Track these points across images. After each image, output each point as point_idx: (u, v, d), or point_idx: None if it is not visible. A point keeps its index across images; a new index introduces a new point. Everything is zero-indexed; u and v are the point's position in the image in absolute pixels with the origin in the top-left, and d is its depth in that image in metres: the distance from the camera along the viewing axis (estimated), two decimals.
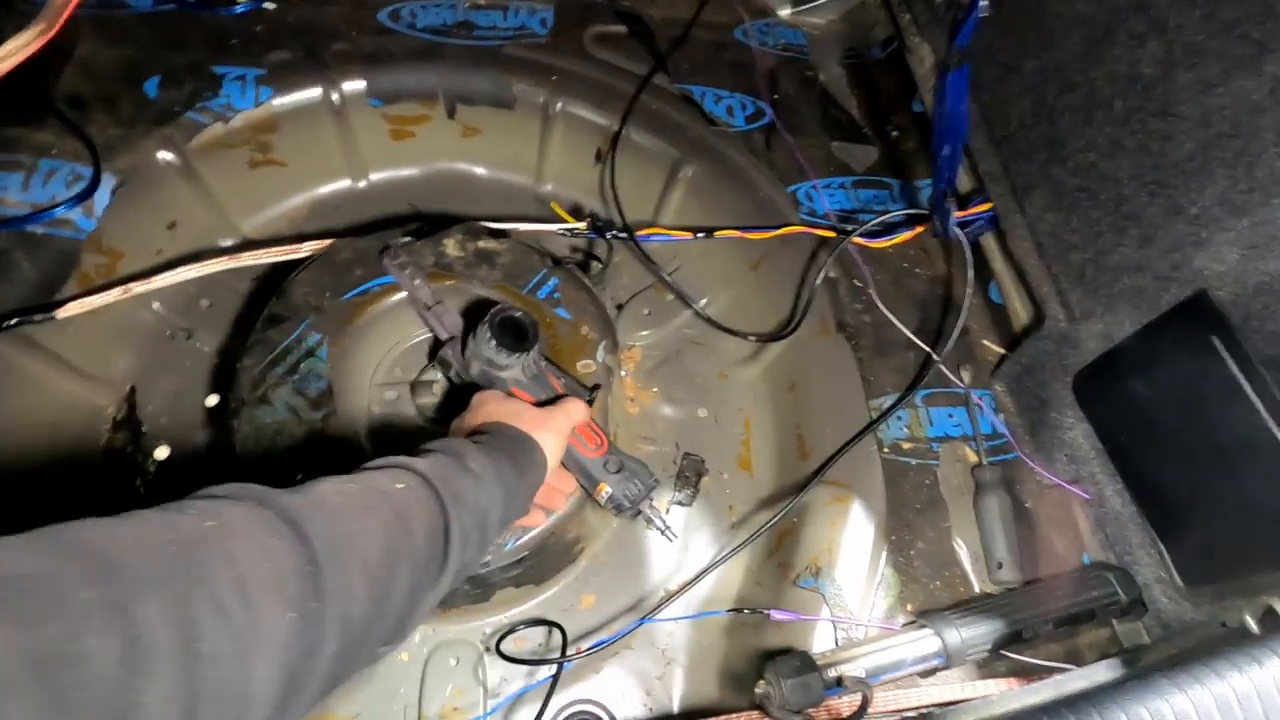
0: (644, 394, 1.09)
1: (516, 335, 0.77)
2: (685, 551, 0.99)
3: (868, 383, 0.97)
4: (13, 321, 0.81)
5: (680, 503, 1.02)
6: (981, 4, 0.63)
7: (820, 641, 0.81)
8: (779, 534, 0.94)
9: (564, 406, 0.72)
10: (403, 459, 0.53)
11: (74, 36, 0.99)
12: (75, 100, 0.95)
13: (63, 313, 0.83)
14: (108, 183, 0.92)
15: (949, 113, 0.76)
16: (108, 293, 0.85)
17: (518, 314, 0.78)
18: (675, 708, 0.89)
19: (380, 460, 0.53)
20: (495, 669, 0.88)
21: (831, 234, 1.03)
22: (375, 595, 0.42)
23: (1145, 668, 0.57)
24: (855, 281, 1.04)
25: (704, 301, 1.14)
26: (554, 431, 0.68)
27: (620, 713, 0.87)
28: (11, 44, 0.47)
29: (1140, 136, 0.75)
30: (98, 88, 0.97)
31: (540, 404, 0.74)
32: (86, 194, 0.89)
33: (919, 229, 1.02)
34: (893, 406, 0.92)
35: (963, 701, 0.66)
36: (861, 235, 0.99)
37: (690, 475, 1.04)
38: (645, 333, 1.13)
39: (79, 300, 0.84)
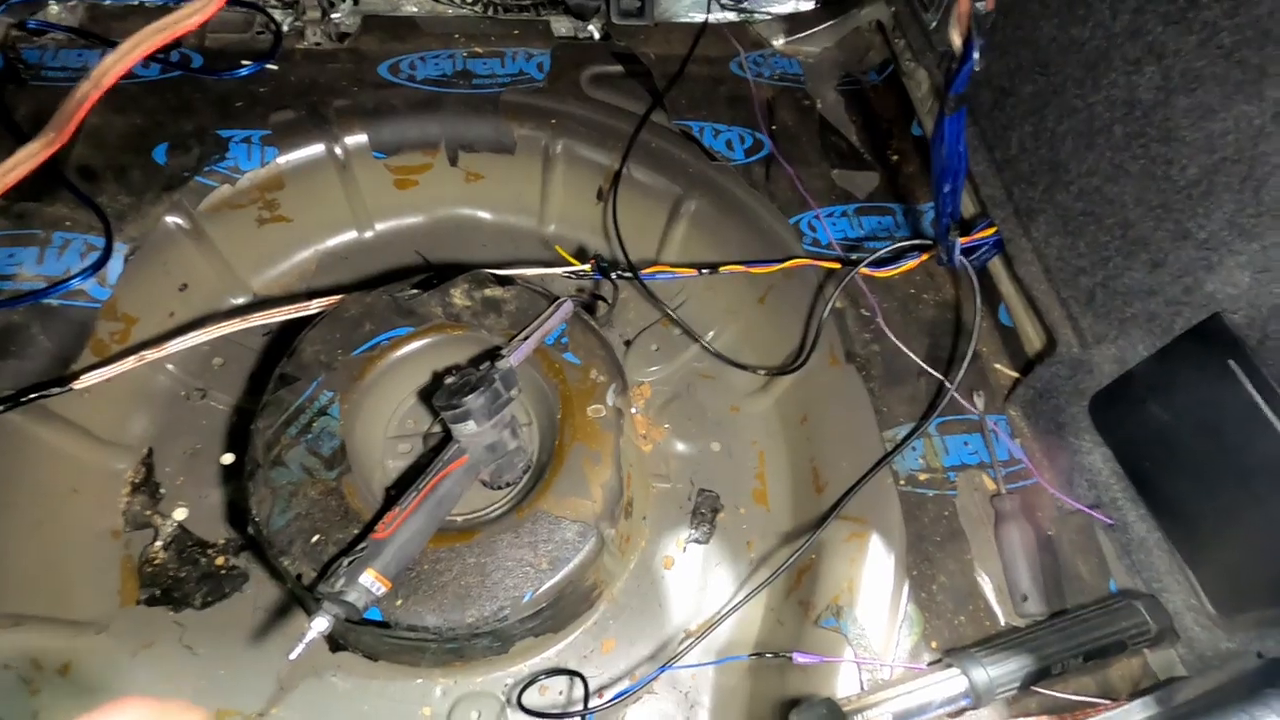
0: (655, 430, 1.09)
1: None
2: (704, 590, 0.98)
3: (880, 414, 0.96)
4: (31, 396, 0.83)
5: (697, 540, 1.01)
6: (974, 57, 0.63)
7: (844, 682, 0.80)
8: (798, 571, 0.93)
9: None
10: None
11: None
12: (86, 171, 0.97)
13: (79, 384, 0.84)
14: (120, 251, 0.94)
15: (948, 153, 0.76)
16: (121, 363, 0.86)
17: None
18: None
19: None
20: (518, 717, 0.87)
21: (837, 265, 1.03)
22: None
23: (1179, 712, 0.55)
24: (862, 310, 1.03)
25: (711, 335, 1.14)
26: None
27: None
28: (21, 154, 0.49)
29: (1143, 161, 0.75)
30: (108, 157, 0.99)
31: None
32: (99, 264, 0.91)
33: (924, 256, 1.02)
34: (908, 438, 0.92)
35: None
36: (868, 265, 0.99)
37: (706, 512, 1.03)
38: (654, 368, 1.13)
39: (94, 371, 0.85)
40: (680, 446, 1.07)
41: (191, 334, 0.89)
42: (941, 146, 0.75)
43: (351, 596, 0.70)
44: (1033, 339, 0.98)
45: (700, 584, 0.98)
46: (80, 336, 0.90)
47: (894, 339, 0.99)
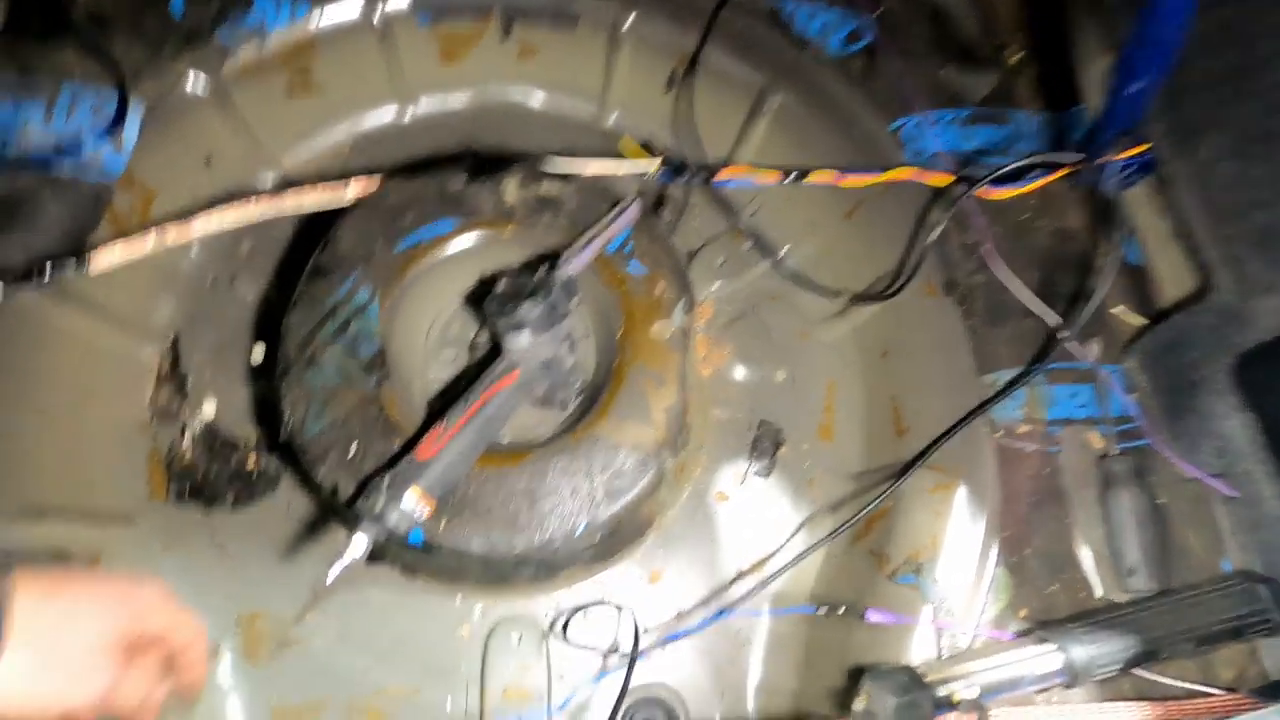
0: (716, 353, 0.99)
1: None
2: (761, 527, 0.91)
3: (979, 354, 0.85)
4: (47, 273, 0.75)
5: (756, 474, 0.93)
6: None
7: (918, 646, 0.73)
8: (868, 519, 0.85)
9: None
10: None
11: None
12: (96, 17, 0.85)
13: (97, 261, 0.76)
14: (136, 110, 0.83)
15: (1160, 38, 0.60)
16: (143, 241, 0.78)
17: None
18: (749, 696, 0.84)
19: None
20: (560, 646, 0.83)
21: (947, 180, 0.89)
22: None
23: None
24: (966, 236, 0.90)
25: (785, 250, 1.02)
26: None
27: (691, 699, 0.83)
28: None
29: None
30: (118, 3, 0.87)
31: None
32: (115, 122, 0.80)
33: (1058, 174, 0.87)
34: (1013, 383, 0.81)
35: None
36: (988, 183, 0.85)
37: (767, 445, 0.95)
38: (718, 284, 1.02)
39: (113, 247, 0.77)
40: (742, 372, 0.98)
41: (217, 213, 0.79)
42: (1153, 27, 0.59)
43: (392, 519, 0.64)
44: (1167, 281, 0.85)
45: (756, 521, 0.91)
46: (96, 208, 0.81)
47: (1003, 271, 0.86)
